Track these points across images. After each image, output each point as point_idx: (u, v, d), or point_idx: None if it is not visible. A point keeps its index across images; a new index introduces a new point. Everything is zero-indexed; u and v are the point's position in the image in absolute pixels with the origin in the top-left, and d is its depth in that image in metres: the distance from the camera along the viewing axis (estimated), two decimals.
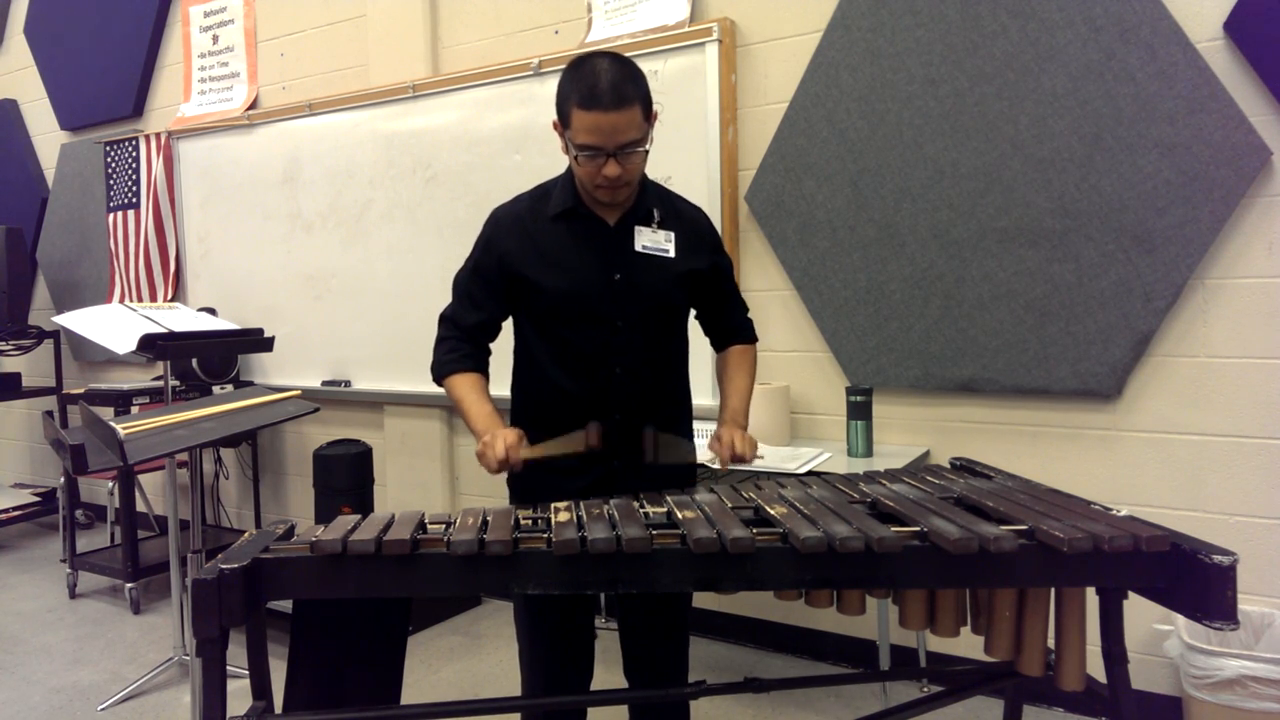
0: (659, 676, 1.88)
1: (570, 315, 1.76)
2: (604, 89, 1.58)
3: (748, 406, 1.90)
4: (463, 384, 1.79)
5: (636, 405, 1.79)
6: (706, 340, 2.04)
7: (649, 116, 1.67)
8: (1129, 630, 1.56)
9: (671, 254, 1.80)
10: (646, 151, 1.68)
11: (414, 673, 3.08)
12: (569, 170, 1.78)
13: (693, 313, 1.96)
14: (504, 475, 1.75)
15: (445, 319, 1.87)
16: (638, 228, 1.79)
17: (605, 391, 1.78)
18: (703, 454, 2.07)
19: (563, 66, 3.56)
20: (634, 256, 1.78)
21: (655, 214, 1.81)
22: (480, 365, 1.85)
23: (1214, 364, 2.43)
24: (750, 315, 2.04)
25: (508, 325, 1.90)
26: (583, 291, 1.75)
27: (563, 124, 1.67)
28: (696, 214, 1.89)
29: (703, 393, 1.86)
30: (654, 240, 1.79)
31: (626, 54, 3.15)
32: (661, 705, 1.89)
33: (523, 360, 1.87)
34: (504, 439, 1.63)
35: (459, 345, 1.83)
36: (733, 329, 1.99)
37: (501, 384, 1.87)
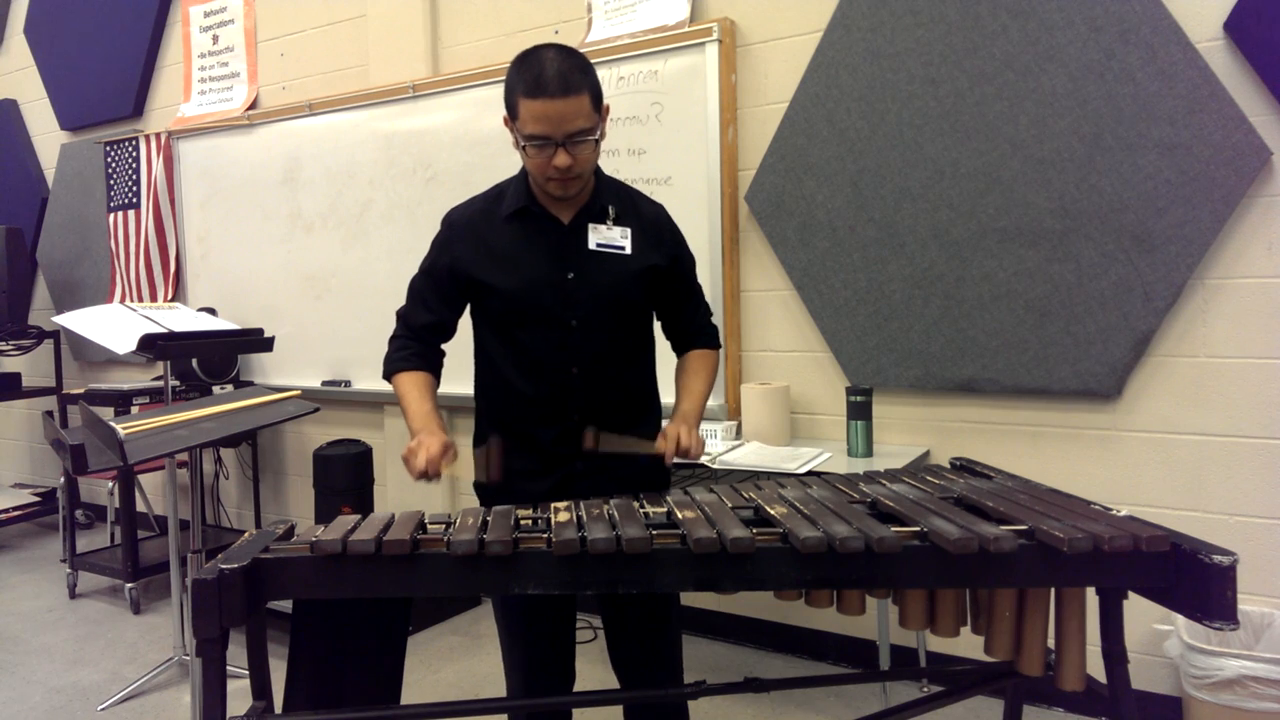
0: (647, 675, 1.86)
1: (523, 316, 1.74)
2: (550, 77, 1.56)
3: (700, 411, 1.86)
4: (406, 382, 1.79)
5: (596, 406, 1.77)
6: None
7: (599, 108, 1.66)
8: (1129, 630, 1.56)
9: (627, 250, 1.77)
10: (597, 142, 1.65)
11: (414, 673, 3.08)
12: (523, 169, 1.76)
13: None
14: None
15: (399, 317, 1.88)
16: (591, 225, 1.76)
17: (563, 393, 1.76)
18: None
19: None
20: (588, 254, 1.75)
21: (610, 210, 1.78)
22: (428, 364, 1.84)
23: (1214, 364, 2.43)
24: (715, 321, 2.00)
25: (465, 324, 1.88)
26: (535, 291, 1.73)
27: (511, 116, 1.65)
28: (655, 210, 1.86)
29: (671, 392, 1.87)
30: (608, 237, 1.76)
31: (626, 54, 3.18)
32: (657, 705, 1.87)
33: (482, 362, 1.86)
34: (428, 449, 1.62)
35: (408, 344, 1.83)
36: (692, 332, 1.94)
37: (465, 383, 1.86)
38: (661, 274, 1.82)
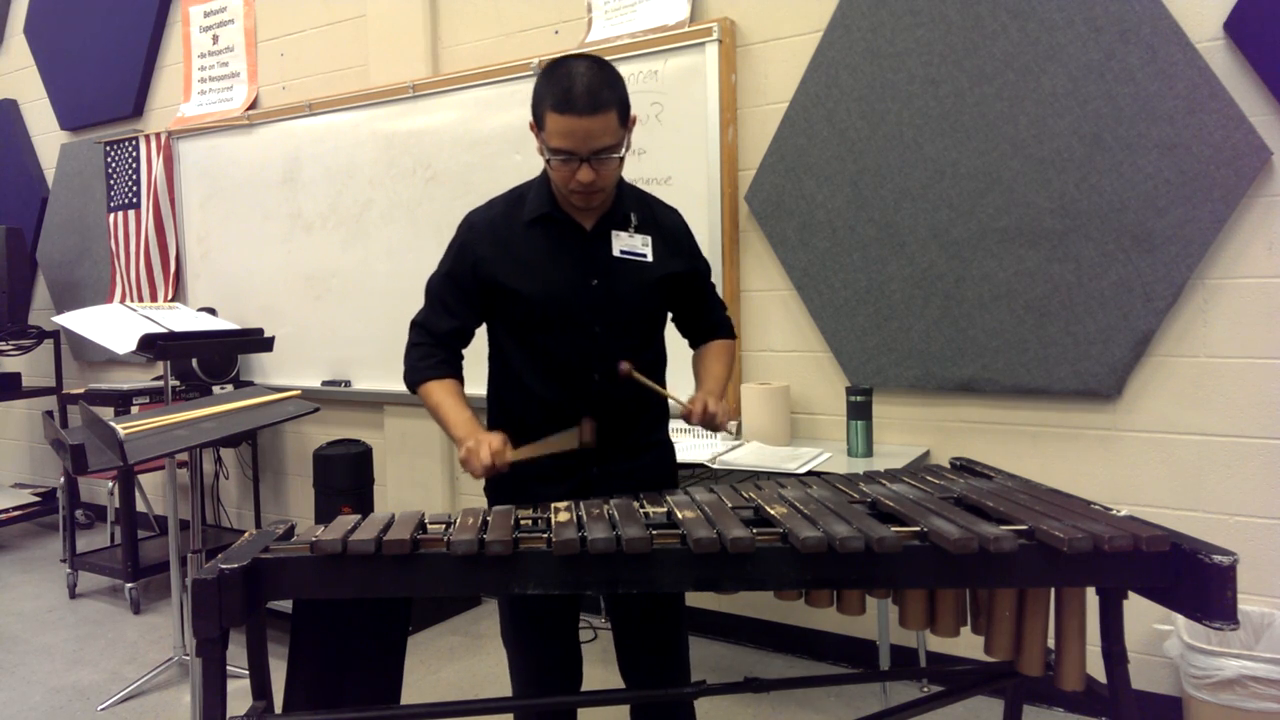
0: (655, 677, 1.86)
1: (547, 322, 1.73)
2: (579, 93, 1.54)
3: (723, 389, 1.86)
4: (439, 390, 1.75)
5: (615, 412, 1.77)
6: (684, 345, 2.01)
7: (626, 122, 1.64)
8: (1129, 630, 1.56)
9: (649, 258, 1.78)
10: (622, 159, 1.65)
11: (414, 673, 3.08)
12: (545, 173, 1.76)
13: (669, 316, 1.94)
14: (482, 483, 1.74)
15: (417, 325, 1.83)
16: (614, 232, 1.76)
17: (584, 399, 1.75)
18: (679, 426, 2.05)
19: None
20: (611, 262, 1.75)
21: (632, 218, 1.78)
22: (455, 371, 1.81)
23: (1214, 364, 2.43)
24: (729, 314, 2.02)
25: (480, 330, 1.87)
26: (560, 298, 1.72)
27: (538, 126, 1.64)
28: (674, 217, 1.87)
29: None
30: (631, 245, 1.76)
31: (626, 54, 3.18)
32: (663, 706, 1.87)
33: (498, 367, 1.84)
34: (488, 444, 1.60)
35: (433, 351, 1.79)
36: (712, 325, 1.96)
37: (476, 386, 1.84)
38: (681, 281, 1.84)
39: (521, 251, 1.75)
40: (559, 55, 3.08)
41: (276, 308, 4.28)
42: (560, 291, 1.73)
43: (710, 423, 1.72)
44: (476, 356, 1.86)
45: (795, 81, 2.94)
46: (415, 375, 1.79)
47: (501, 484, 1.78)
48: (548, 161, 1.65)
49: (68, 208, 5.16)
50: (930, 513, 1.44)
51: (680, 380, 1.99)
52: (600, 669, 3.06)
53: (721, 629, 3.29)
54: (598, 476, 1.78)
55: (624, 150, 1.65)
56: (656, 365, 1.88)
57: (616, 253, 1.75)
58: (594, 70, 1.58)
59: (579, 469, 1.77)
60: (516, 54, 3.50)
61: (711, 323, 1.96)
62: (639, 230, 1.78)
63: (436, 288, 1.82)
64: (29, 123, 5.44)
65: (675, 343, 1.96)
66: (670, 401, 1.80)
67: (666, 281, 1.80)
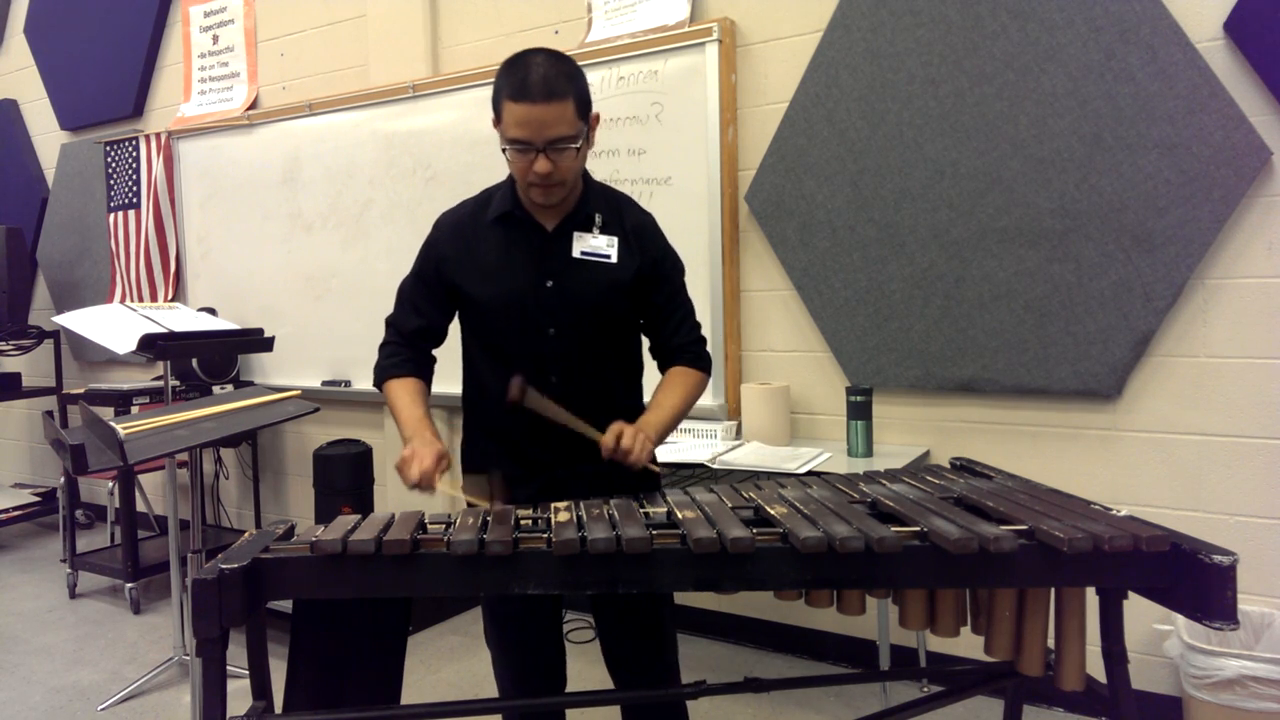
0: (640, 674, 1.85)
1: (501, 322, 1.74)
2: (534, 82, 1.55)
3: (664, 425, 1.73)
4: (397, 389, 1.77)
5: (577, 414, 1.69)
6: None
7: (586, 116, 1.64)
8: (1129, 630, 1.56)
9: (613, 259, 1.75)
10: (579, 150, 1.63)
11: (414, 673, 3.08)
12: (511, 174, 1.76)
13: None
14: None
15: (389, 324, 1.85)
16: (577, 233, 1.74)
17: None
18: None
19: None
20: (570, 262, 1.73)
21: (597, 218, 1.76)
22: (419, 370, 1.82)
23: (1214, 364, 2.43)
24: (706, 343, 1.89)
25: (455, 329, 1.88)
26: (512, 298, 1.72)
27: (496, 118, 1.64)
28: (642, 217, 1.82)
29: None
30: (594, 245, 1.74)
31: (626, 54, 3.18)
32: (655, 705, 1.86)
33: (466, 365, 1.86)
34: (421, 462, 1.60)
35: (398, 350, 1.82)
36: (674, 349, 1.84)
37: (456, 383, 1.87)
38: (643, 283, 1.78)
39: (481, 251, 1.75)
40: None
41: (276, 308, 4.28)
42: (512, 292, 1.72)
43: (623, 458, 1.62)
44: (456, 355, 1.88)
45: (795, 81, 2.94)
46: (380, 374, 1.82)
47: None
48: (505, 153, 1.64)
49: (68, 208, 5.16)
50: (930, 513, 1.44)
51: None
52: (600, 669, 3.06)
53: (721, 629, 3.29)
54: (562, 478, 1.78)
55: (581, 143, 1.63)
56: (627, 373, 1.84)
57: (577, 254, 1.73)
58: (551, 61, 1.58)
59: (544, 470, 1.78)
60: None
61: (677, 343, 1.84)
62: (604, 231, 1.76)
63: (407, 288, 1.85)
64: (29, 123, 5.44)
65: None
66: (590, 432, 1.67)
67: (627, 283, 1.76)
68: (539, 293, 1.73)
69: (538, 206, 1.73)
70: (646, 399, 1.84)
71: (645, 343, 1.91)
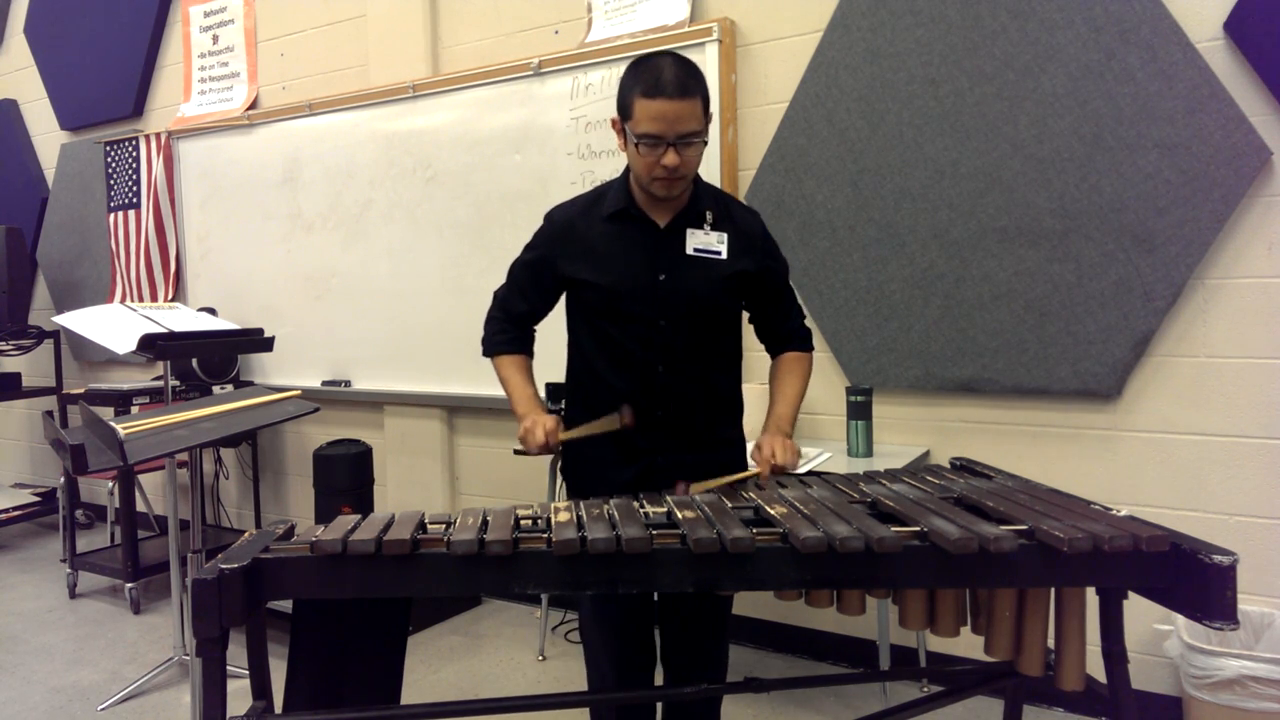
0: (696, 676, 1.95)
1: (614, 313, 1.83)
2: (668, 80, 1.65)
3: (794, 414, 1.90)
4: (509, 365, 1.94)
5: (681, 402, 1.84)
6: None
7: (708, 113, 1.73)
8: (1129, 630, 1.56)
9: (723, 255, 1.84)
10: (704, 144, 1.73)
11: (414, 673, 3.08)
12: (624, 173, 1.85)
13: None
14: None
15: (497, 298, 2.00)
16: (689, 230, 1.83)
17: (649, 388, 1.83)
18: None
19: (562, 67, 3.54)
20: (681, 258, 1.82)
21: (708, 215, 1.85)
22: (525, 348, 1.98)
23: (1214, 364, 2.43)
24: (805, 319, 2.03)
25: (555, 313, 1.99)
26: (626, 290, 1.81)
27: (624, 117, 1.73)
28: (750, 217, 1.92)
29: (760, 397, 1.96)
30: (705, 242, 1.83)
31: (626, 54, 3.18)
32: (692, 704, 1.96)
33: (574, 352, 1.95)
34: (543, 425, 1.75)
35: (506, 328, 1.97)
36: (784, 335, 1.99)
37: (554, 370, 2.04)
38: (750, 279, 1.88)
39: (595, 245, 1.85)
40: (566, 55, 3.08)
41: (276, 308, 4.28)
42: (627, 285, 1.81)
43: (782, 471, 1.77)
44: (559, 341, 2.00)
45: (795, 81, 2.94)
46: (490, 346, 1.98)
47: (577, 467, 1.94)
48: (635, 148, 1.72)
49: (68, 208, 5.16)
50: (930, 513, 1.44)
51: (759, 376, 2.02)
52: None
53: None
54: (662, 466, 1.85)
55: (705, 138, 1.73)
56: (729, 363, 1.94)
57: (690, 250, 1.83)
58: (680, 62, 1.69)
59: (644, 456, 1.85)
60: (516, 54, 3.50)
61: (786, 330, 1.98)
62: (715, 228, 1.85)
63: (517, 272, 1.97)
64: (29, 123, 5.44)
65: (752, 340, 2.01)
66: (750, 465, 1.82)
67: (736, 279, 1.85)
68: (653, 286, 1.81)
69: (652, 204, 1.82)
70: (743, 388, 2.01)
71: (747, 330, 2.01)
